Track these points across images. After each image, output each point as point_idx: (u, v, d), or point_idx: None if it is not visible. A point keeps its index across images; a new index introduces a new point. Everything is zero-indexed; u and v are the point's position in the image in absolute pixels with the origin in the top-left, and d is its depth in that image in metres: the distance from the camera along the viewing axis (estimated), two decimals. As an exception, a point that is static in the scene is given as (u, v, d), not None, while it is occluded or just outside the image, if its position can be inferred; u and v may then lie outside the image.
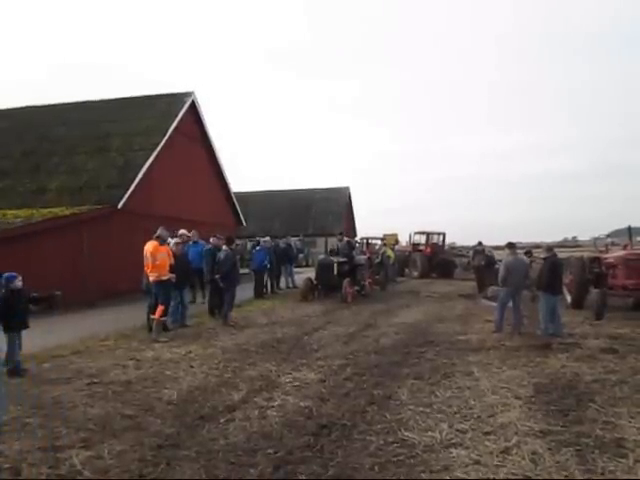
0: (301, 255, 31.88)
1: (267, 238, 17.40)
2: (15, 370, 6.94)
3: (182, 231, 12.27)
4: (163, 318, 9.63)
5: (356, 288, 15.65)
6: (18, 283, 7.22)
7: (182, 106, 21.27)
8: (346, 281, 14.81)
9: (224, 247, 11.21)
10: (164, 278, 9.59)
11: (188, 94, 22.09)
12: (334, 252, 16.39)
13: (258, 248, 16.78)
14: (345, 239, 17.51)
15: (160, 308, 9.48)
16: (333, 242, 18.80)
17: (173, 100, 21.77)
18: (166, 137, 19.45)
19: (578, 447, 4.37)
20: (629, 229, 15.48)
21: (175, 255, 10.43)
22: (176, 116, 20.58)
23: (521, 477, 3.86)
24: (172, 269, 9.84)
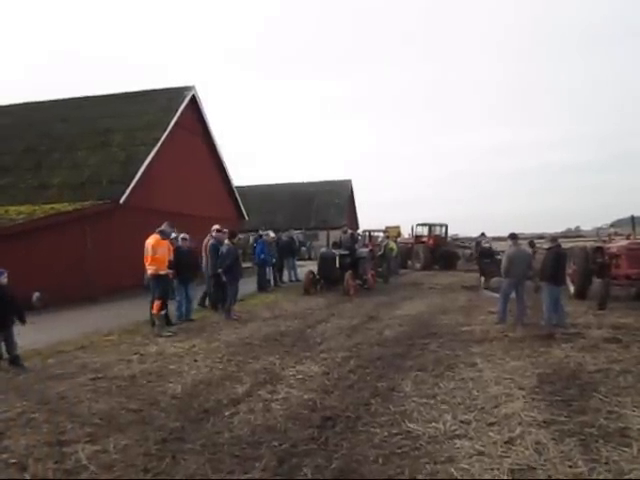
0: (303, 248, 31.95)
1: (268, 232, 17.38)
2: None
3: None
4: (162, 312, 9.60)
5: (358, 281, 15.57)
6: (3, 280, 7.20)
7: (182, 100, 21.21)
8: (348, 274, 14.81)
9: (226, 241, 11.21)
10: (162, 272, 9.57)
11: (188, 88, 22.01)
12: (337, 245, 16.34)
13: (260, 241, 16.74)
14: (349, 232, 17.39)
15: (157, 303, 9.45)
16: (335, 235, 18.80)
17: (173, 95, 21.70)
18: (167, 132, 19.40)
19: (582, 437, 4.38)
20: (632, 219, 15.41)
21: (182, 250, 10.45)
22: (177, 110, 20.52)
23: (525, 467, 3.86)
24: (171, 265, 9.83)
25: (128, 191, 16.80)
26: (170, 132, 19.60)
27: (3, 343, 7.21)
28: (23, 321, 7.32)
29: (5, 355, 7.24)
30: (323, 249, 17.05)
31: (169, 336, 9.13)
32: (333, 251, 15.80)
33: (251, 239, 23.86)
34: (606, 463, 3.91)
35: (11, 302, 7.24)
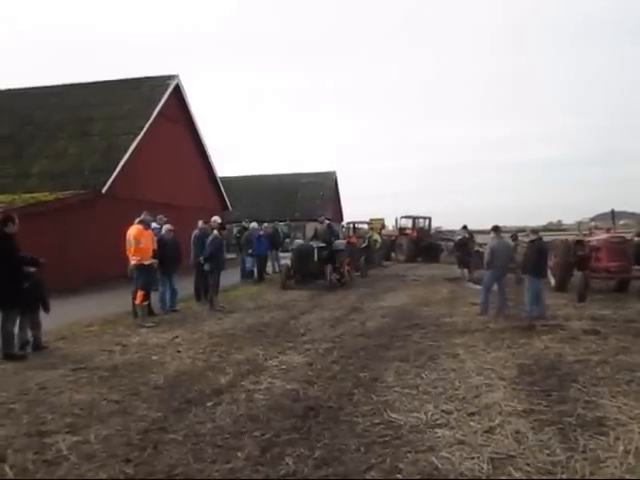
0: (287, 240, 31.87)
1: (254, 224, 17.26)
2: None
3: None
4: (145, 303, 9.52)
5: (335, 276, 14.79)
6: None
7: (166, 89, 20.93)
8: (329, 267, 14.39)
9: (215, 232, 11.17)
10: (146, 263, 9.47)
11: (172, 77, 21.70)
12: (315, 237, 15.77)
13: (262, 233, 16.61)
14: (326, 222, 16.26)
15: (140, 293, 9.35)
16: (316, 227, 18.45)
17: (157, 83, 21.39)
18: (150, 121, 19.14)
19: (561, 426, 4.44)
20: (612, 212, 15.67)
21: (165, 241, 10.37)
22: (160, 99, 20.24)
23: (505, 456, 3.91)
24: (155, 254, 9.75)
25: (110, 180, 16.59)
26: (153, 121, 19.34)
27: (29, 328, 7.33)
28: (47, 309, 7.53)
29: (30, 339, 7.33)
30: (298, 241, 16.68)
31: (151, 327, 9.08)
32: (311, 244, 15.20)
33: (234, 230, 23.73)
34: (583, 452, 3.98)
35: (41, 288, 7.47)
